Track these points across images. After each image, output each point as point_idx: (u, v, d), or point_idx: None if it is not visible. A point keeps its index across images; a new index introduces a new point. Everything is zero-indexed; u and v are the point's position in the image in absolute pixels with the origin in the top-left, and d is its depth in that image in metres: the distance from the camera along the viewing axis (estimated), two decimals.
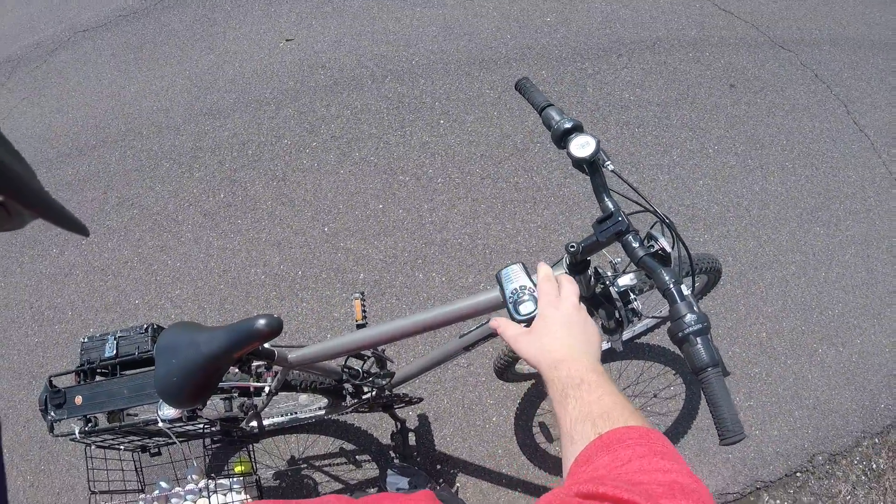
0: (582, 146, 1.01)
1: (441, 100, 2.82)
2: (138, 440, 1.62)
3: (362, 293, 1.55)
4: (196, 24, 3.32)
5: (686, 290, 0.83)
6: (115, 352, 1.49)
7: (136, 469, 1.83)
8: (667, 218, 1.00)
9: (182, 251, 2.60)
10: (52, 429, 1.43)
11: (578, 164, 1.03)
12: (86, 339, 1.56)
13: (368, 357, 1.59)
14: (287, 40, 3.08)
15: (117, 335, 1.53)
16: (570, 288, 0.80)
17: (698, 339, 0.76)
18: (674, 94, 2.92)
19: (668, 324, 0.81)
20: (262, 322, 1.09)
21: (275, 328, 1.09)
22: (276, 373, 1.43)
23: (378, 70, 2.93)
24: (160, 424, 1.48)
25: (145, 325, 1.54)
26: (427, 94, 2.84)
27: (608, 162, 1.03)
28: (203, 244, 2.59)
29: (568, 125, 1.05)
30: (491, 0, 3.24)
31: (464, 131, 2.72)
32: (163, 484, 1.84)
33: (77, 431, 1.43)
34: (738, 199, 2.64)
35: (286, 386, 1.50)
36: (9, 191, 0.35)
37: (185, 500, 1.81)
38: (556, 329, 0.73)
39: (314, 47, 3.06)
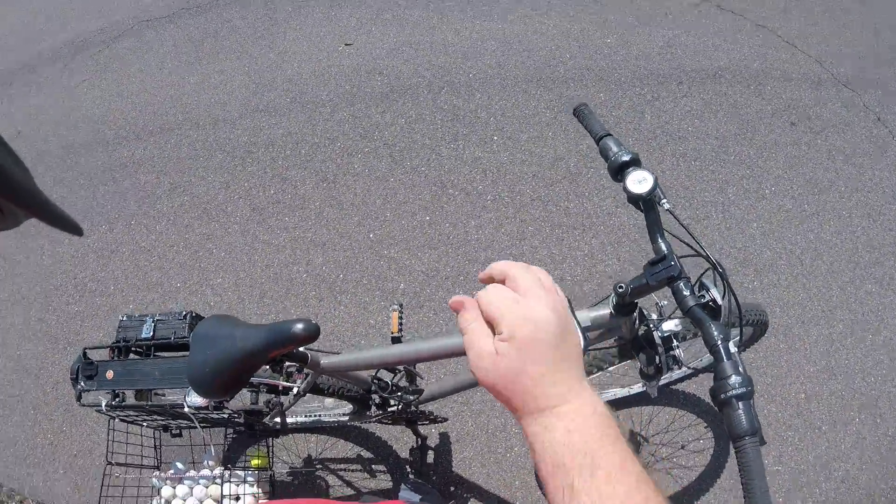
0: (639, 182, 0.99)
1: (496, 115, 2.81)
2: (161, 420, 1.65)
3: (401, 305, 1.55)
4: (258, 22, 3.37)
5: (733, 349, 0.81)
6: (151, 333, 1.51)
7: (154, 446, 1.87)
8: (720, 266, 0.97)
9: (228, 241, 2.63)
10: (79, 398, 1.47)
11: (634, 199, 1.01)
12: (124, 318, 1.59)
13: (400, 371, 1.59)
14: (346, 44, 3.11)
15: (156, 318, 1.55)
16: (530, 278, 0.52)
17: (740, 404, 0.74)
18: (733, 128, 2.86)
19: (712, 381, 0.79)
20: (299, 326, 1.10)
21: (312, 334, 1.09)
22: (307, 375, 1.43)
23: (435, 81, 2.93)
24: (186, 410, 1.50)
25: (184, 312, 1.55)
26: (482, 108, 2.83)
27: (664, 200, 1.00)
28: (249, 237, 2.62)
29: (626, 158, 1.03)
30: (551, 17, 3.22)
31: (517, 150, 2.71)
32: (178, 465, 1.86)
33: (104, 404, 1.46)
34: (792, 246, 2.56)
35: (314, 389, 1.51)
36: (4, 191, 0.34)
37: (198, 483, 1.82)
38: (531, 355, 0.48)
39: (372, 53, 3.08)
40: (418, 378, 1.63)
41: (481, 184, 2.62)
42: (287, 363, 1.42)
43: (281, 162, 2.76)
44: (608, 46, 3.12)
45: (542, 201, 2.58)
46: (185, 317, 1.55)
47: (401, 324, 1.52)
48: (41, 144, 3.33)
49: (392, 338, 1.50)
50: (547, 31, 3.17)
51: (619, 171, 1.03)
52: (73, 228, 0.47)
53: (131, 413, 1.54)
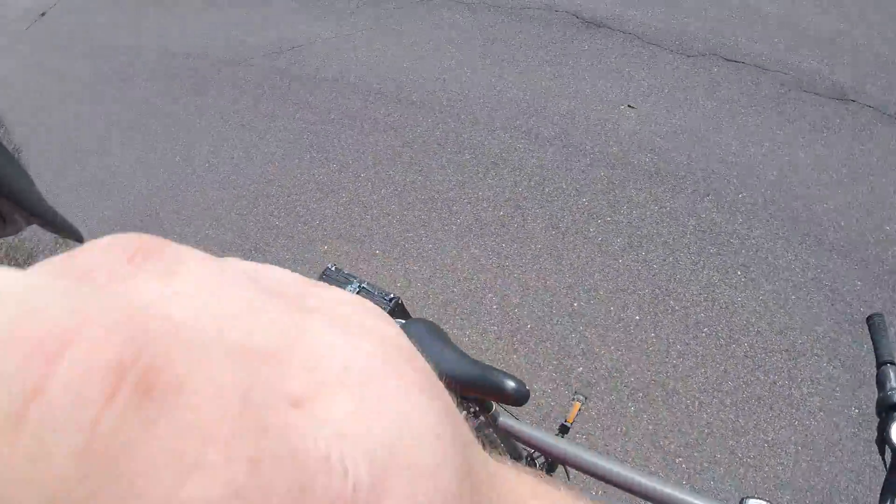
0: None
1: (749, 249, 2.61)
2: None
3: (585, 397, 1.50)
4: (550, 42, 3.37)
5: None
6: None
7: None
8: None
9: (440, 237, 2.66)
10: None
11: (884, 443, 0.91)
12: (332, 267, 1.60)
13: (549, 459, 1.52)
14: (629, 106, 3.02)
15: (363, 284, 1.56)
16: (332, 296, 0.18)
17: None
18: None
19: None
20: (512, 385, 1.08)
21: (519, 399, 1.05)
22: (479, 422, 1.38)
23: (703, 184, 2.77)
24: None
25: (392, 296, 1.54)
26: (738, 235, 2.64)
27: None
28: (461, 244, 2.62)
29: None
30: (860, 180, 2.91)
31: (754, 296, 2.50)
32: None
33: None
34: None
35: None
36: (5, 197, 0.33)
37: None
38: None
39: (651, 127, 2.96)
40: (565, 473, 1.54)
41: (704, 312, 2.45)
42: (472, 403, 1.39)
43: (521, 189, 2.74)
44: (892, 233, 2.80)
45: (753, 362, 2.37)
46: (391, 300, 1.54)
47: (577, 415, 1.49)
48: (319, 72, 3.55)
49: (562, 424, 1.51)
50: (852, 195, 2.86)
51: (887, 409, 0.93)
52: (74, 235, 0.45)
53: None
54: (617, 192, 2.72)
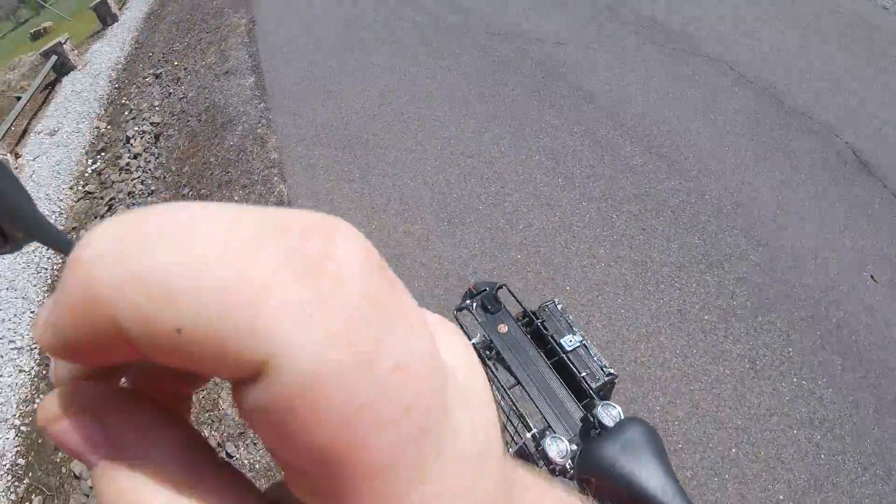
0: None
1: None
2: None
3: None
4: (822, 170, 3.10)
5: None
6: (571, 349, 1.40)
7: None
8: None
9: (636, 307, 2.57)
10: (459, 310, 1.42)
11: None
12: (557, 305, 1.53)
13: None
14: (873, 278, 2.78)
15: (584, 341, 1.47)
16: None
17: None
18: None
19: None
20: None
21: None
22: None
23: None
24: (529, 448, 1.40)
25: (612, 371, 1.43)
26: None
27: None
28: (653, 326, 2.53)
29: None
30: None
31: None
32: None
33: (474, 340, 1.39)
34: None
35: None
36: (5, 215, 0.34)
37: None
38: None
39: (886, 314, 2.72)
40: None
41: None
42: None
43: (735, 304, 2.61)
44: None
45: None
46: (608, 375, 1.45)
47: None
48: (581, 82, 3.32)
49: None
50: None
51: None
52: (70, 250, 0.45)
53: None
54: (825, 369, 2.54)
